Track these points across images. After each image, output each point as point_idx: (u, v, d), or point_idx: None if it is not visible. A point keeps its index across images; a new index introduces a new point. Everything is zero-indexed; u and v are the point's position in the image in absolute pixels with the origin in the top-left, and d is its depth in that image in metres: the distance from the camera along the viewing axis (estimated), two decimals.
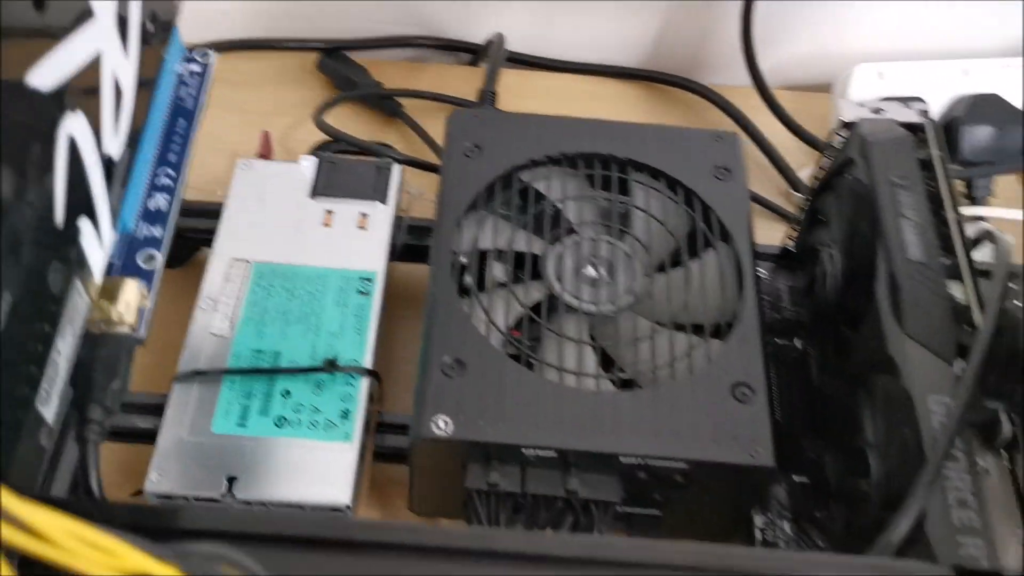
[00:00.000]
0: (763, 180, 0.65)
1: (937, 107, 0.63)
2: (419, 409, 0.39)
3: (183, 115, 0.48)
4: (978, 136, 0.62)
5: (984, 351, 0.31)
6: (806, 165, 0.65)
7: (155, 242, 0.44)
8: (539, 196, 0.47)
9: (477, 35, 0.72)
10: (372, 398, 0.45)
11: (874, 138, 0.41)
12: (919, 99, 0.62)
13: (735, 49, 0.66)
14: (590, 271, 0.45)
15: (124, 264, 0.42)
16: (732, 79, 0.70)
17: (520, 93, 0.70)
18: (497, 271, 0.45)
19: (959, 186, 0.64)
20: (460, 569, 0.26)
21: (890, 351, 0.36)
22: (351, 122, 0.67)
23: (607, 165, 0.48)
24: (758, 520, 0.44)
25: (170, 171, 0.46)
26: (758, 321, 0.42)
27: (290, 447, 0.42)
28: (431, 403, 0.39)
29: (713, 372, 0.41)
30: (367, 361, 0.45)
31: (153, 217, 0.44)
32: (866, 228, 0.40)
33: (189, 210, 0.52)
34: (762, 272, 0.54)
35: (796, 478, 0.45)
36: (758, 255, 0.53)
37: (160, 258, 0.43)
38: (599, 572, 0.26)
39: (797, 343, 0.49)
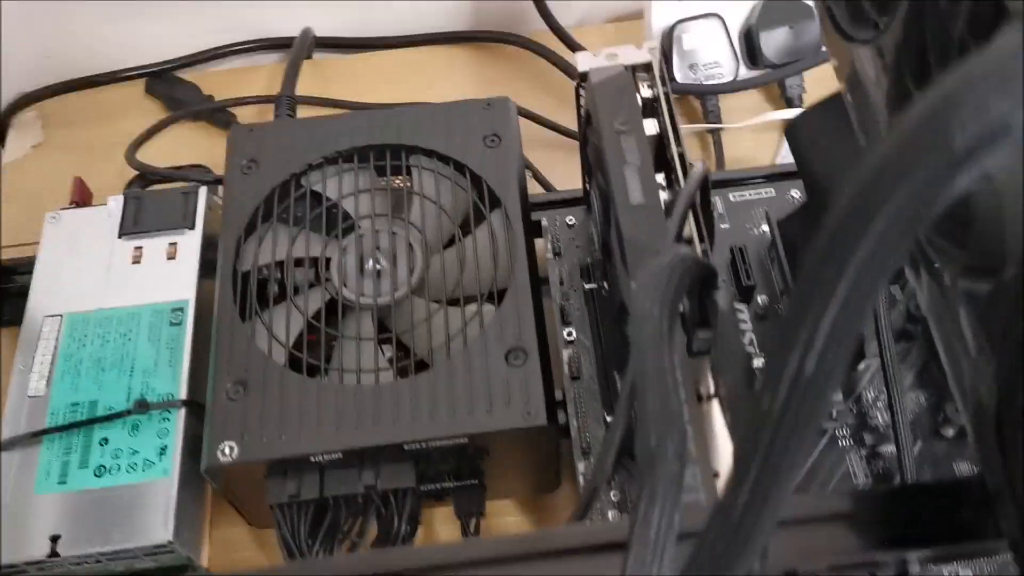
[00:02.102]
0: None
1: (739, 18, 0.64)
2: (206, 438, 0.41)
3: None
4: (775, 39, 0.62)
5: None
6: None
7: None
8: (320, 198, 0.48)
9: (295, 29, 0.72)
10: None
11: (600, 89, 0.42)
12: (715, 15, 0.63)
13: None
14: (374, 264, 0.46)
15: None
16: (562, 20, 0.70)
17: (348, 77, 0.71)
18: (280, 284, 0.46)
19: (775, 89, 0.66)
20: None
21: (624, 297, 0.37)
22: (189, 141, 0.68)
23: (381, 155, 0.49)
24: (581, 465, 0.46)
25: None
26: (529, 282, 0.44)
27: (111, 495, 0.44)
28: (216, 431, 0.40)
29: (487, 341, 0.42)
30: (182, 392, 0.47)
31: None
32: (603, 179, 0.41)
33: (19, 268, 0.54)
34: (571, 219, 0.55)
35: (609, 417, 0.46)
36: (567, 202, 0.55)
37: None
38: None
39: (605, 284, 0.51)
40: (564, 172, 0.61)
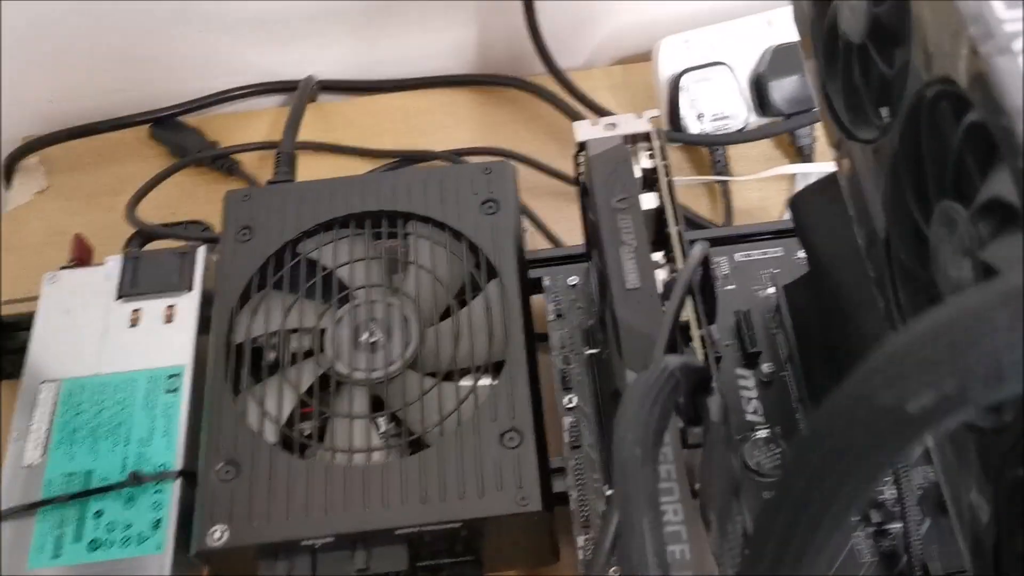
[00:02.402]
0: None
1: (748, 65, 0.63)
2: (196, 520, 0.40)
3: None
4: (785, 87, 0.61)
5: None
6: None
7: None
8: (314, 266, 0.47)
9: (300, 72, 0.72)
10: None
11: (597, 162, 0.41)
12: (723, 63, 0.62)
13: (556, 36, 0.66)
14: (369, 336, 0.45)
15: None
16: (569, 62, 0.69)
17: (351, 121, 0.71)
18: (273, 356, 0.45)
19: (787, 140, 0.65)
20: None
21: (617, 384, 0.36)
22: (192, 188, 0.68)
23: (378, 221, 0.48)
24: (580, 539, 0.45)
25: None
26: (525, 357, 0.43)
27: (104, 569, 0.43)
28: (207, 513, 0.40)
29: (481, 420, 0.41)
30: (177, 463, 0.46)
31: None
32: (598, 258, 0.40)
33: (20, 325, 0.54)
34: (573, 279, 0.54)
35: (608, 490, 0.46)
36: (569, 258, 0.54)
37: None
38: None
39: (605, 353, 0.50)
40: (568, 221, 0.60)
